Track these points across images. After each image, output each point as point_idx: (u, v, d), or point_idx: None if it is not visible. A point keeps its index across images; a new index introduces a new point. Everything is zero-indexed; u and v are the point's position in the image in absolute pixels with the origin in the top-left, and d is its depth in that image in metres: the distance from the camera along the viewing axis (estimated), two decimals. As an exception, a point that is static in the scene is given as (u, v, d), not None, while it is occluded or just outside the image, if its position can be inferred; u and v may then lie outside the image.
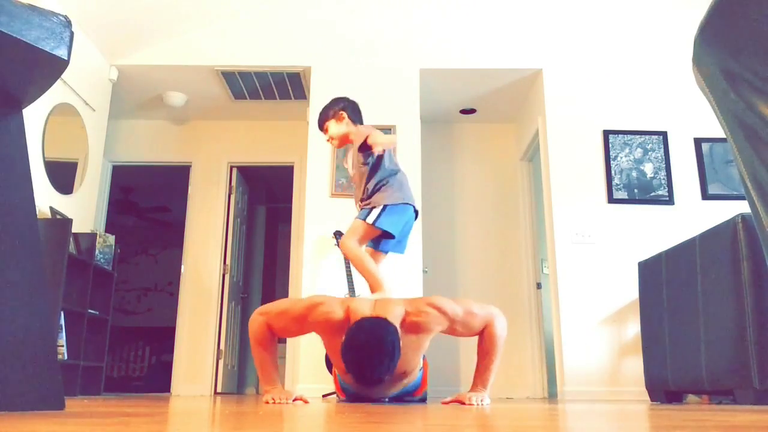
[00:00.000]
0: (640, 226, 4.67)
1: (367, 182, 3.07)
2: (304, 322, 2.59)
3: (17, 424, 1.06)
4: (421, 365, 2.92)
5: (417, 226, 4.67)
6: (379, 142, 2.90)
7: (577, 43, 5.13)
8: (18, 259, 1.55)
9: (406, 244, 3.18)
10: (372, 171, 3.06)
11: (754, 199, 0.89)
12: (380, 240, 3.10)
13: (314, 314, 2.55)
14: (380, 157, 3.06)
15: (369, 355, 2.33)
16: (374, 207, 3.00)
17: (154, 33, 5.07)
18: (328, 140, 3.27)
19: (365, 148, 3.02)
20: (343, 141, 3.22)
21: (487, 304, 2.74)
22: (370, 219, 2.96)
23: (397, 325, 2.48)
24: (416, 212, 3.14)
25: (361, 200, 3.12)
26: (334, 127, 3.19)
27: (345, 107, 3.21)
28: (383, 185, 3.03)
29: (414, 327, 2.55)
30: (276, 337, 2.67)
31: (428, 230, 5.40)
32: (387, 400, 2.96)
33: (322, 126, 3.25)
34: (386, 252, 3.19)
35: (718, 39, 0.91)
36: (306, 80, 5.30)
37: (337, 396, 3.29)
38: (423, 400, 3.08)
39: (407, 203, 3.07)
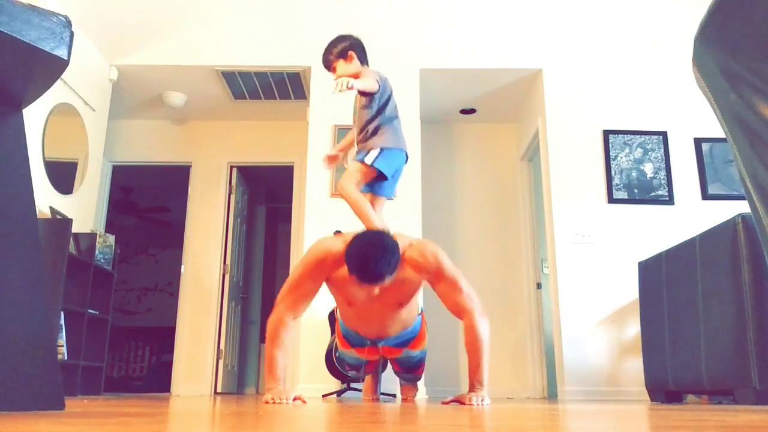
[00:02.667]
0: (640, 226, 4.67)
1: (367, 124, 3.11)
2: (317, 269, 2.67)
3: (17, 424, 1.06)
4: (420, 314, 3.09)
5: (417, 225, 4.68)
6: (356, 85, 2.95)
7: (577, 43, 5.13)
8: (18, 259, 1.55)
9: (395, 188, 3.29)
10: (376, 115, 3.11)
11: (754, 199, 0.89)
12: (374, 185, 3.16)
13: (319, 256, 2.65)
14: (387, 103, 3.11)
15: (372, 250, 2.46)
16: (371, 149, 3.06)
17: (154, 33, 5.07)
18: (336, 79, 3.19)
19: (364, 93, 3.06)
20: None
21: (478, 298, 2.77)
22: (368, 160, 3.03)
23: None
24: (407, 157, 3.23)
25: (358, 141, 3.17)
26: (343, 67, 3.15)
27: (353, 45, 3.19)
28: (380, 129, 3.10)
29: (410, 262, 2.65)
30: (291, 333, 2.69)
31: (428, 230, 5.39)
32: (385, 349, 3.06)
33: (329, 66, 3.22)
34: (380, 196, 3.24)
35: (718, 39, 0.91)
36: (306, 80, 5.30)
37: (341, 354, 3.32)
38: (422, 360, 3.26)
39: (401, 148, 3.16)
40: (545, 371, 5.32)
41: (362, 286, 2.52)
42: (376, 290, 2.56)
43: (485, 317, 2.74)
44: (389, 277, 2.51)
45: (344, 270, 2.60)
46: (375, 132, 3.10)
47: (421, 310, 3.18)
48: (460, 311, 2.72)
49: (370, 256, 2.46)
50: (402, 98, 4.99)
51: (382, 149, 3.06)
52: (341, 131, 4.88)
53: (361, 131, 3.15)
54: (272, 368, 2.66)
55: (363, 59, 3.23)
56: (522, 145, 5.71)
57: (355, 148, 3.23)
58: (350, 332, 3.11)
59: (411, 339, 3.12)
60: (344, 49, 3.16)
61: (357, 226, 3.16)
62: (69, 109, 4.64)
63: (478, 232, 5.71)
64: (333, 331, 4.14)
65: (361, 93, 3.07)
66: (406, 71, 5.06)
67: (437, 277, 2.69)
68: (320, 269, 2.68)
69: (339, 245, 2.64)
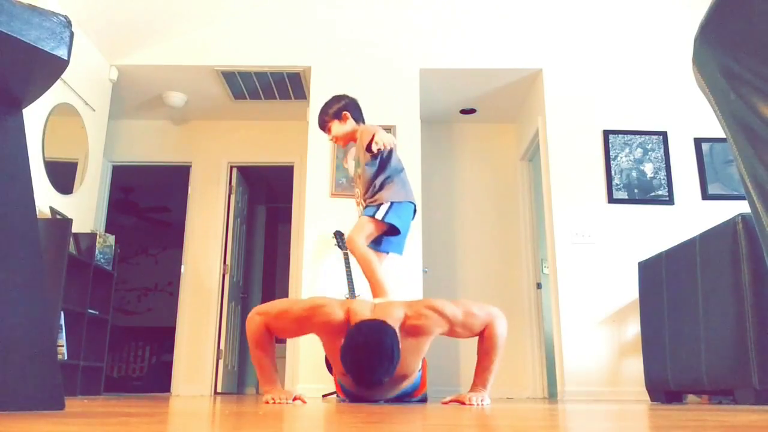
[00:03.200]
0: (640, 226, 4.67)
1: (374, 179, 3.09)
2: (304, 323, 2.58)
3: (17, 424, 1.06)
4: (420, 366, 2.91)
5: (417, 225, 4.67)
6: (378, 140, 2.91)
7: (577, 43, 5.13)
8: (18, 259, 1.55)
9: (404, 244, 3.20)
10: (380, 169, 3.09)
11: (754, 199, 0.89)
12: (382, 240, 3.12)
13: (315, 316, 2.54)
14: (389, 156, 3.09)
15: (368, 357, 2.32)
16: (381, 203, 3.03)
17: (154, 33, 5.07)
18: (331, 140, 3.27)
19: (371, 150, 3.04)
20: (348, 140, 3.25)
21: (486, 304, 2.74)
22: (379, 215, 2.99)
23: (397, 328, 2.48)
24: (415, 209, 3.19)
25: (365, 198, 3.13)
26: (338, 128, 3.20)
27: (347, 106, 3.22)
28: (388, 182, 3.08)
29: (414, 330, 2.55)
30: (274, 337, 2.65)
31: (428, 230, 5.40)
32: (384, 402, 2.95)
33: (324, 126, 3.25)
34: (387, 253, 3.19)
35: (718, 39, 0.91)
36: (306, 80, 5.30)
37: (338, 396, 3.29)
38: (423, 401, 3.09)
39: (410, 201, 3.12)
40: (545, 371, 5.32)
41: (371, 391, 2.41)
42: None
43: (503, 318, 2.68)
44: (388, 379, 2.39)
45: (338, 342, 2.48)
46: (382, 186, 3.07)
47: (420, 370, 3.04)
48: (480, 332, 2.65)
49: (366, 364, 2.32)
50: (402, 98, 5.01)
51: (392, 203, 3.02)
52: (341, 131, 4.87)
53: (367, 188, 3.13)
54: (265, 372, 2.63)
55: (358, 118, 3.24)
56: (522, 145, 5.71)
57: (362, 204, 3.19)
58: (348, 389, 2.93)
59: (412, 392, 2.99)
60: (339, 110, 3.19)
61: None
62: (69, 109, 4.64)
63: (478, 232, 5.71)
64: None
65: (372, 153, 3.02)
66: (406, 71, 5.06)
67: (452, 325, 2.60)
68: (312, 328, 2.59)
69: (339, 316, 2.51)
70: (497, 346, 2.64)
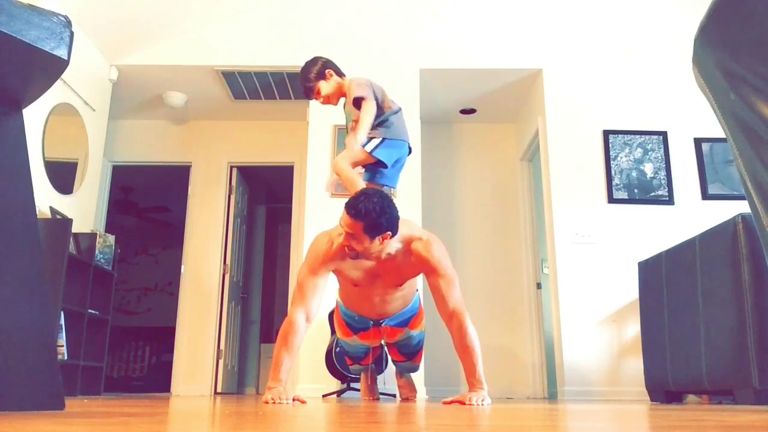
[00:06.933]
0: (640, 226, 4.67)
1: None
2: (321, 266, 2.73)
3: (17, 424, 1.06)
4: (418, 297, 3.27)
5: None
6: (362, 137, 3.03)
7: (577, 43, 5.13)
8: (18, 259, 1.55)
9: (398, 178, 3.32)
10: (378, 114, 3.17)
11: (754, 199, 0.89)
12: (375, 173, 3.20)
13: (321, 251, 2.72)
14: (381, 105, 3.18)
15: (368, 192, 2.57)
16: (374, 138, 3.12)
17: (154, 33, 5.07)
18: (323, 102, 3.29)
19: (358, 102, 3.13)
20: (338, 96, 3.27)
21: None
22: (369, 147, 3.08)
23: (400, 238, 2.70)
24: (410, 149, 3.29)
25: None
26: (326, 86, 3.22)
27: (326, 64, 3.25)
28: (384, 121, 3.18)
29: (415, 253, 2.73)
30: (301, 334, 2.68)
31: (428, 229, 5.38)
32: (389, 324, 3.24)
33: (312, 92, 3.25)
34: (382, 185, 3.25)
35: (718, 39, 0.91)
36: (306, 80, 5.30)
37: (340, 337, 3.48)
38: (420, 342, 3.46)
39: (403, 140, 3.22)
40: (545, 371, 5.32)
41: (347, 222, 2.54)
42: (371, 249, 2.62)
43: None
44: (375, 216, 2.52)
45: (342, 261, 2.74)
46: (379, 125, 3.16)
47: (417, 290, 3.33)
48: (452, 311, 2.72)
49: (363, 197, 2.54)
50: (402, 98, 4.98)
51: (383, 139, 3.12)
52: (341, 131, 4.87)
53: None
54: (276, 368, 2.69)
55: (340, 73, 3.27)
56: (522, 145, 5.71)
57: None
58: (353, 316, 3.22)
59: (411, 318, 3.27)
60: (320, 70, 3.22)
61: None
62: (69, 109, 4.64)
63: (478, 232, 5.71)
64: (333, 331, 4.14)
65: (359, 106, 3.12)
66: (406, 71, 5.06)
67: (437, 274, 2.72)
68: (325, 263, 2.74)
69: (339, 232, 2.72)
70: (474, 341, 2.70)
